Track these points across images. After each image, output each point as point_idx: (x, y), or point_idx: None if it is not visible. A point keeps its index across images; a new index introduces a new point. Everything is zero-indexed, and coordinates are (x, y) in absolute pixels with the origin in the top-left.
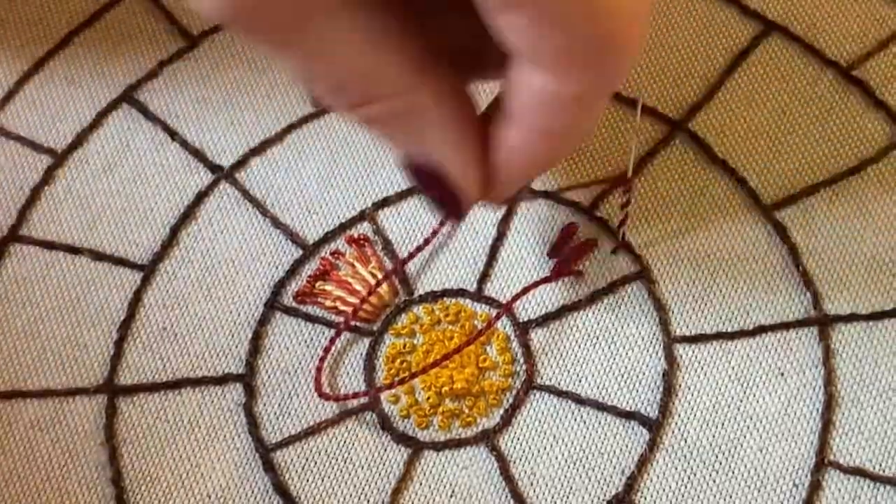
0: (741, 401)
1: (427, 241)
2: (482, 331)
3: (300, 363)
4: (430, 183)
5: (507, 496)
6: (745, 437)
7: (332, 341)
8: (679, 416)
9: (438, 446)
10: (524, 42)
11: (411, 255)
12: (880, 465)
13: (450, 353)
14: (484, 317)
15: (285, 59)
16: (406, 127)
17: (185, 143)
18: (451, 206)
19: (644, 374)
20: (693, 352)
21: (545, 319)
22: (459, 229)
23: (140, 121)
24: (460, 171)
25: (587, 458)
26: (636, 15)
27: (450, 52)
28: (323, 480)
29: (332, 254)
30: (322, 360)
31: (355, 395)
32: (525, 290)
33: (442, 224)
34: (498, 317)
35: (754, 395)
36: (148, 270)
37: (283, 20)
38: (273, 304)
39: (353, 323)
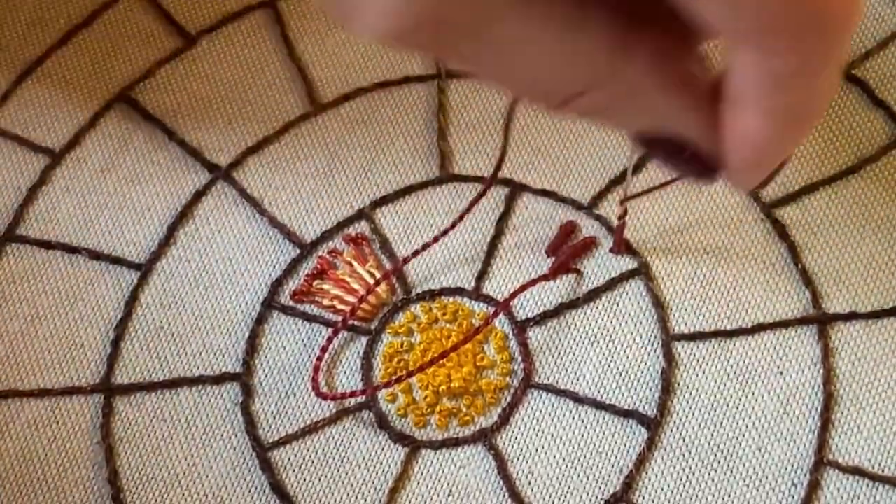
0: (740, 399)
1: (427, 245)
2: (480, 328)
3: (297, 362)
4: (670, 151)
5: (504, 495)
6: (743, 435)
7: (329, 340)
8: (677, 414)
9: (436, 445)
10: (721, 19)
11: (413, 255)
12: (879, 465)
13: (447, 351)
14: (482, 315)
15: (475, 70)
16: (626, 108)
17: (182, 143)
18: (701, 166)
19: (642, 372)
20: (692, 350)
21: (543, 318)
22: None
23: (137, 120)
24: (698, 134)
25: (585, 457)
26: None
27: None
28: (320, 479)
29: (329, 253)
30: (319, 359)
31: (353, 394)
32: (523, 288)
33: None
34: (496, 314)
35: (753, 394)
36: (145, 269)
37: (464, 29)
38: (270, 303)
39: (350, 322)
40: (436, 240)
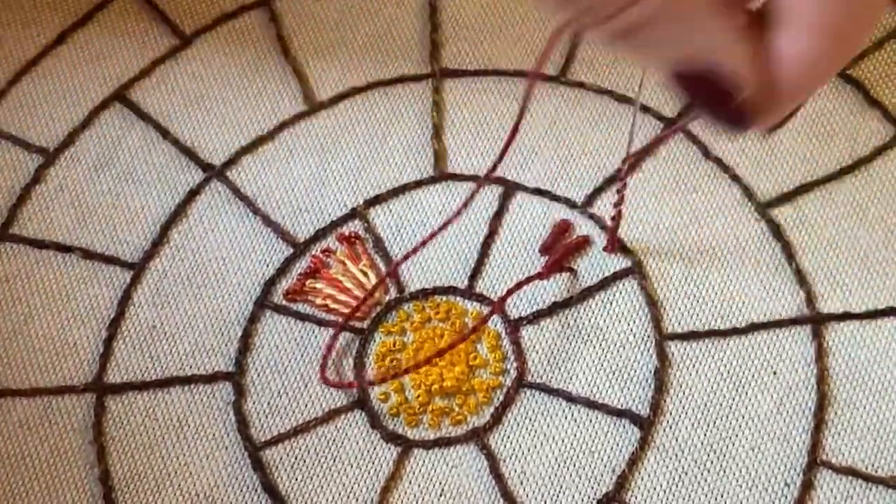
0: (733, 399)
1: (424, 243)
2: (474, 328)
3: (290, 361)
4: (706, 90)
5: (496, 494)
6: (736, 435)
7: (334, 338)
8: (670, 414)
9: (428, 444)
10: None
11: (404, 258)
12: (872, 465)
13: (443, 350)
14: (475, 314)
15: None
16: (675, 27)
17: (176, 142)
18: (734, 114)
19: (636, 371)
20: (685, 349)
21: (536, 317)
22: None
23: (132, 119)
24: (739, 68)
25: (578, 457)
26: None
27: None
28: (312, 479)
29: (323, 252)
30: (325, 357)
31: (350, 385)
32: (516, 287)
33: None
34: (489, 314)
35: (746, 394)
36: (138, 269)
37: None
38: (263, 303)
39: (341, 321)
40: (432, 236)
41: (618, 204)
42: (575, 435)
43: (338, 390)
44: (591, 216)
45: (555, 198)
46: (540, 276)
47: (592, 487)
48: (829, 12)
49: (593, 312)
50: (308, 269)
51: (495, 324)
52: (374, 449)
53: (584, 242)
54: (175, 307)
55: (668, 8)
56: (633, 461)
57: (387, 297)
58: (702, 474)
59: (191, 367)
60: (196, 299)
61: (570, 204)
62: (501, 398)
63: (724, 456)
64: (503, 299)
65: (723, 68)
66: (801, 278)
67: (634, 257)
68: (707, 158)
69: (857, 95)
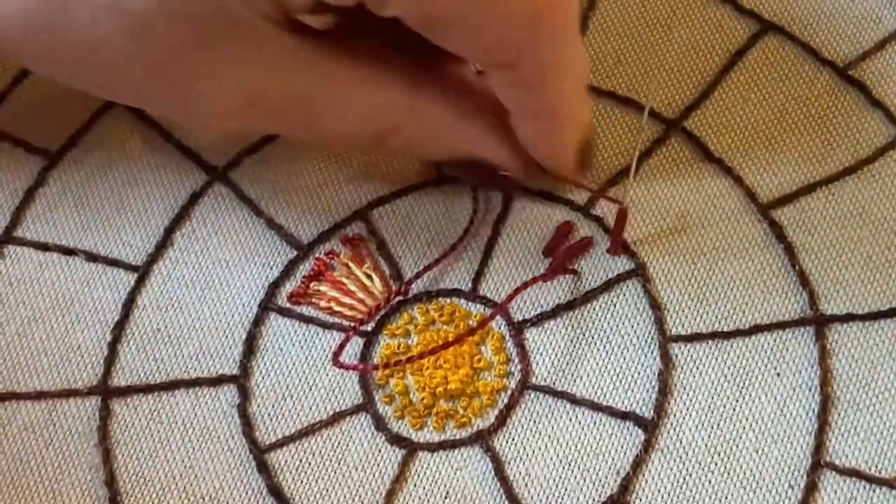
0: (737, 401)
1: (438, 261)
2: (478, 325)
3: (294, 364)
4: (482, 173)
5: (501, 497)
6: (740, 437)
7: (346, 339)
8: (674, 416)
9: (433, 447)
10: (460, 50)
11: (418, 275)
12: (876, 467)
13: (449, 343)
14: (479, 317)
15: (300, 137)
16: (434, 139)
17: (178, 144)
18: (504, 181)
19: (639, 373)
20: (689, 351)
21: (540, 319)
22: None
23: (134, 122)
24: (495, 152)
25: (582, 459)
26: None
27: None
28: (317, 482)
29: (326, 254)
30: (342, 346)
31: (359, 367)
32: (520, 289)
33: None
34: (493, 315)
35: (750, 396)
36: (142, 271)
37: (283, 103)
38: (267, 305)
39: (345, 323)
40: (444, 256)
41: (620, 206)
42: (579, 437)
43: (342, 389)
44: (595, 218)
45: (557, 199)
46: (544, 277)
47: (597, 489)
48: (530, 103)
49: (597, 314)
50: (312, 272)
51: (499, 326)
52: (379, 451)
53: (588, 244)
54: (179, 310)
55: (423, 127)
56: (638, 463)
57: (391, 300)
58: (705, 476)
59: (195, 369)
60: (200, 302)
61: (572, 206)
62: (506, 401)
63: (728, 458)
64: (507, 301)
65: (484, 159)
66: (803, 279)
67: (638, 259)
68: (709, 160)
69: (860, 96)
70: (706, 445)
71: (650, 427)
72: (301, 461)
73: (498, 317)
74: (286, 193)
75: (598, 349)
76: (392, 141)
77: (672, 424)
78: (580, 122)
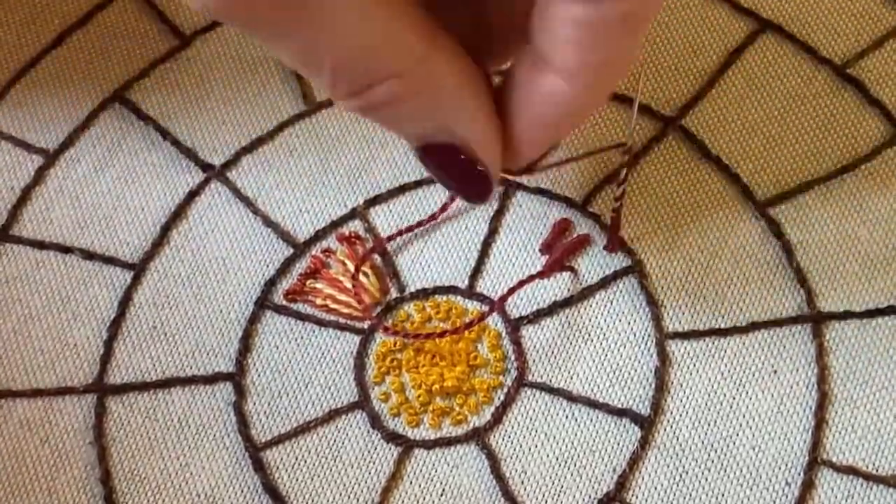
0: (734, 398)
1: (420, 224)
2: (471, 322)
3: (290, 362)
4: (449, 163)
5: (497, 495)
6: (737, 434)
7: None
8: (671, 413)
9: (429, 444)
10: None
11: (397, 234)
12: (873, 464)
13: (445, 331)
14: (475, 314)
15: (285, 43)
16: (421, 103)
17: (176, 143)
18: (476, 185)
19: (636, 370)
20: (686, 348)
21: (537, 316)
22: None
23: (132, 120)
24: (481, 140)
25: (579, 456)
26: None
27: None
28: (313, 479)
29: (323, 252)
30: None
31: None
32: (517, 286)
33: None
34: (489, 312)
35: (747, 393)
36: (138, 269)
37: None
38: (264, 303)
39: (343, 321)
40: (421, 224)
41: (618, 202)
42: (576, 434)
43: (338, 387)
44: (592, 215)
45: (554, 196)
46: (541, 275)
47: (593, 487)
48: (595, 53)
49: (594, 311)
50: (308, 270)
51: (496, 323)
52: (375, 449)
53: (585, 241)
54: (175, 308)
55: (418, 84)
56: (634, 460)
57: (386, 297)
58: (702, 473)
59: (191, 367)
60: (196, 300)
61: (569, 203)
62: (502, 398)
63: (725, 455)
64: (503, 298)
65: (464, 141)
66: (801, 277)
67: (635, 256)
68: (706, 158)
69: (857, 94)
70: (703, 442)
71: (647, 424)
72: (297, 459)
73: (494, 314)
74: (283, 191)
75: (595, 346)
76: (380, 92)
77: (669, 421)
78: (606, 97)
